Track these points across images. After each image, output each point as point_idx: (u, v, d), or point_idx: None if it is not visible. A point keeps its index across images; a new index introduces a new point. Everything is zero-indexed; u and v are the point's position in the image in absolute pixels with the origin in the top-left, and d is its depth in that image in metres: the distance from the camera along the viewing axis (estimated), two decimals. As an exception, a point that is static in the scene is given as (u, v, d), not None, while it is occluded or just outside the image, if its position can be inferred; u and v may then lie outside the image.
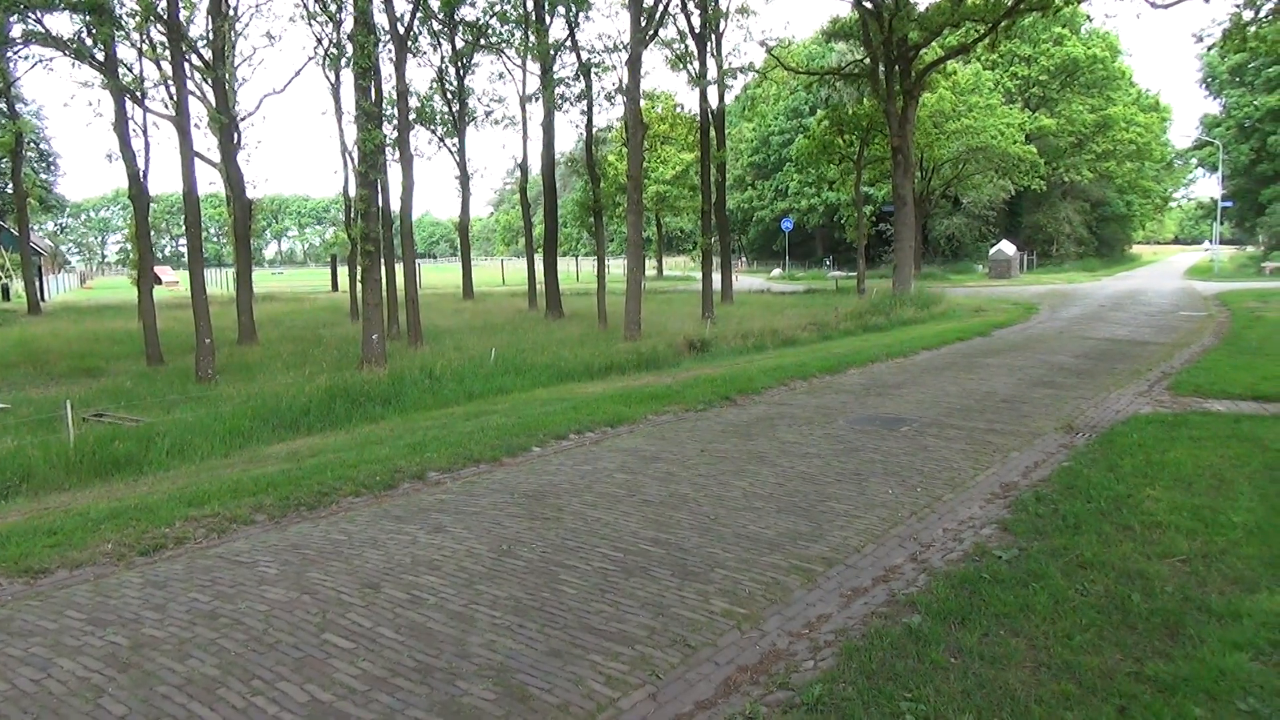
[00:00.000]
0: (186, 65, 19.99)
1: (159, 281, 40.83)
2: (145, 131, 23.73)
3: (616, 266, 44.56)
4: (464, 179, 34.06)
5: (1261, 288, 31.73)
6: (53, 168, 47.63)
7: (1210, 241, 56.96)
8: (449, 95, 32.37)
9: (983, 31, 25.87)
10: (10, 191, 34.53)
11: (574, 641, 4.12)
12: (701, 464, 7.48)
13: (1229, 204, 53.80)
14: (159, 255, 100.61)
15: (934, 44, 29.35)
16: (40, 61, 28.36)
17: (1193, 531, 5.33)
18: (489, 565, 5.12)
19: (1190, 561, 4.87)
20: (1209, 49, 29.94)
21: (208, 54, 23.15)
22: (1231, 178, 53.76)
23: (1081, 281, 41.41)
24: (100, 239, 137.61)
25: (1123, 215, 60.88)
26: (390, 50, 19.91)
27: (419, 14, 24.36)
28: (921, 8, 25.96)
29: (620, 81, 25.22)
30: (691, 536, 5.58)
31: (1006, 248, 45.83)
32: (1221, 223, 52.06)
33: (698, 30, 25.42)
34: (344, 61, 24.72)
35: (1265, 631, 3.98)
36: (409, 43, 22.76)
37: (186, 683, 3.76)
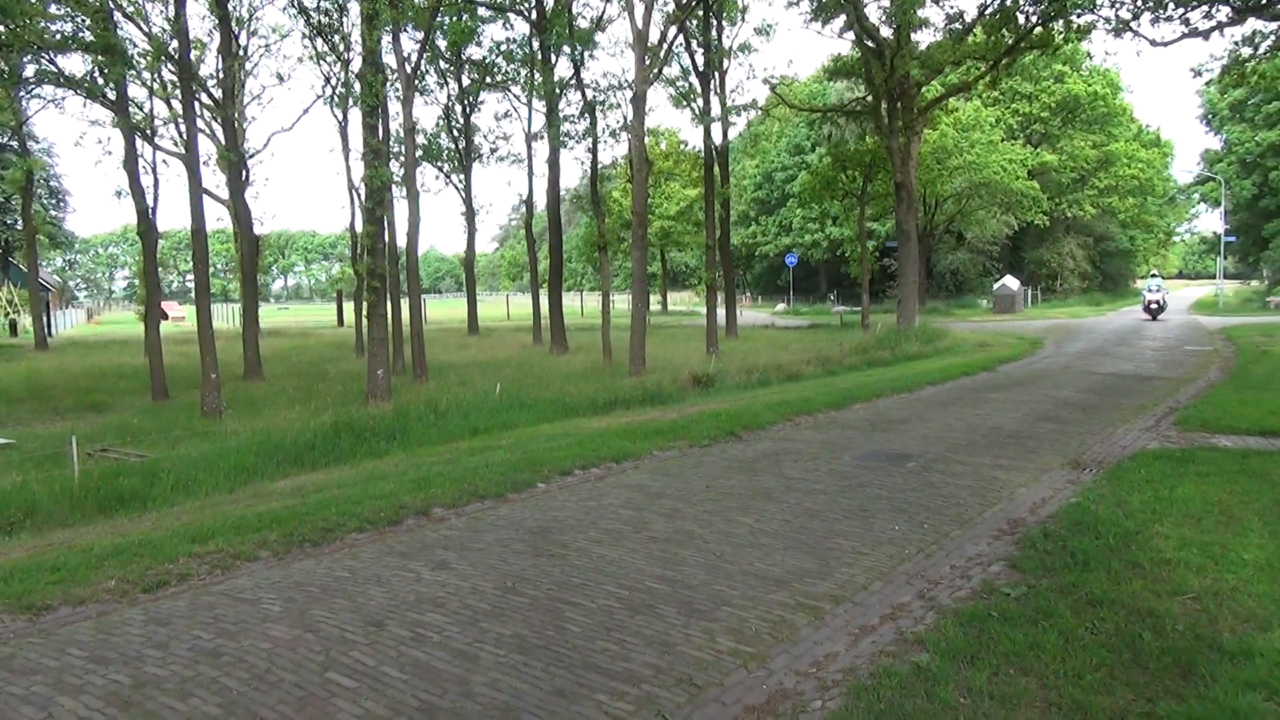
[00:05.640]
0: (196, 104, 20.32)
1: (165, 317, 40.98)
2: (154, 169, 24.05)
3: (621, 301, 44.70)
4: (470, 215, 34.39)
5: (1267, 322, 31.69)
6: (62, 204, 48.00)
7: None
8: (455, 132, 32.81)
9: (984, 69, 26.20)
10: (20, 228, 34.85)
11: (579, 680, 4.08)
12: (707, 500, 7.44)
13: (1232, 239, 53.97)
14: (166, 290, 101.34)
15: (935, 81, 29.71)
16: (52, 101, 28.85)
17: (1203, 568, 5.28)
18: (493, 602, 5.09)
19: (1201, 599, 4.82)
20: (1208, 84, 30.21)
21: (218, 93, 23.54)
22: (1234, 212, 53.95)
23: (1086, 316, 41.41)
24: (108, 274, 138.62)
25: (1126, 250, 61.09)
26: (398, 88, 20.19)
27: (426, 53, 24.76)
28: (923, 46, 26.30)
29: (625, 119, 25.51)
30: (697, 574, 5.54)
31: (1010, 282, 45.92)
32: (1225, 257, 52.11)
33: (701, 68, 25.76)
34: (352, 100, 25.15)
35: (1279, 671, 3.92)
36: (416, 81, 23.09)
37: (188, 722, 3.73)
